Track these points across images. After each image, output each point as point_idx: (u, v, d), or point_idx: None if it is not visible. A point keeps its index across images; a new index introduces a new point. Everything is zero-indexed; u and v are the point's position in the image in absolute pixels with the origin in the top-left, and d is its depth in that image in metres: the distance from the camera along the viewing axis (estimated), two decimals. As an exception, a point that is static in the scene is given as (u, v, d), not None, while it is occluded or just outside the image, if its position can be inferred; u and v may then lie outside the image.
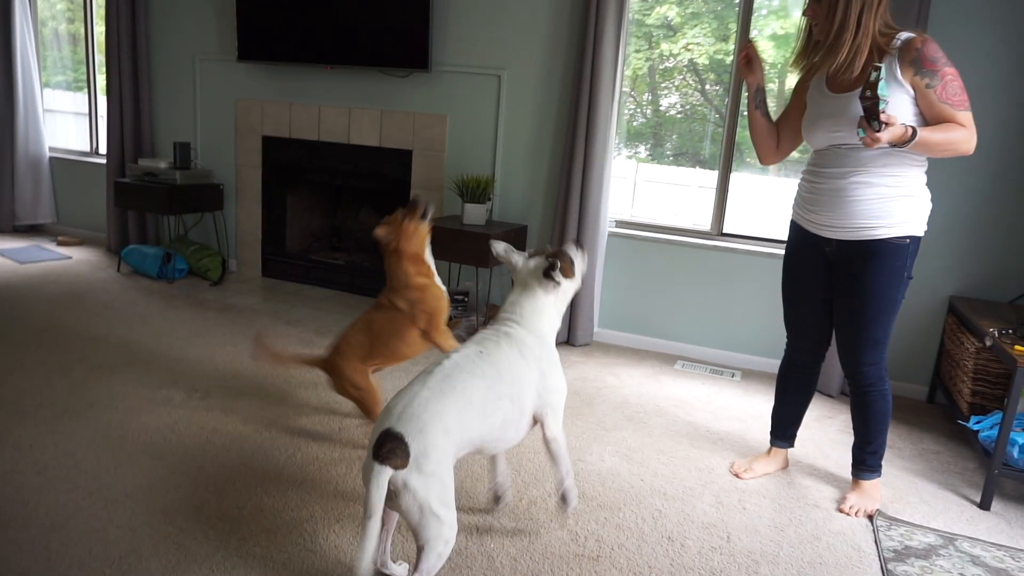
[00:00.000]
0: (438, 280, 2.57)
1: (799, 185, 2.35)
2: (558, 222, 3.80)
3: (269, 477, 2.28)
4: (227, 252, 4.91)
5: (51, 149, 5.57)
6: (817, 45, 2.13)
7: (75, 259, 4.91)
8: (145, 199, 4.47)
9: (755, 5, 3.57)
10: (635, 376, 3.50)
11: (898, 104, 2.00)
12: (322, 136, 4.46)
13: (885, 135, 1.86)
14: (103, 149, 5.42)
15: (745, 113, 2.57)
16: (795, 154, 2.57)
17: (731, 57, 3.76)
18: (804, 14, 2.16)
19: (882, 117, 1.83)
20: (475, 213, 3.72)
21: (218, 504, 2.11)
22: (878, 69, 1.79)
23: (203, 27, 4.70)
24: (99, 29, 5.29)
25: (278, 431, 2.60)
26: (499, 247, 2.02)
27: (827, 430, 3.02)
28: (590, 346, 3.90)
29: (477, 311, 3.83)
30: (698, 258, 3.76)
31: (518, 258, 2.01)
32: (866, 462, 2.36)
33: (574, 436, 2.76)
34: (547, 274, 1.93)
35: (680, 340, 3.86)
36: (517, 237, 3.86)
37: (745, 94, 2.56)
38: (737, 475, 2.53)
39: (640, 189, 4.75)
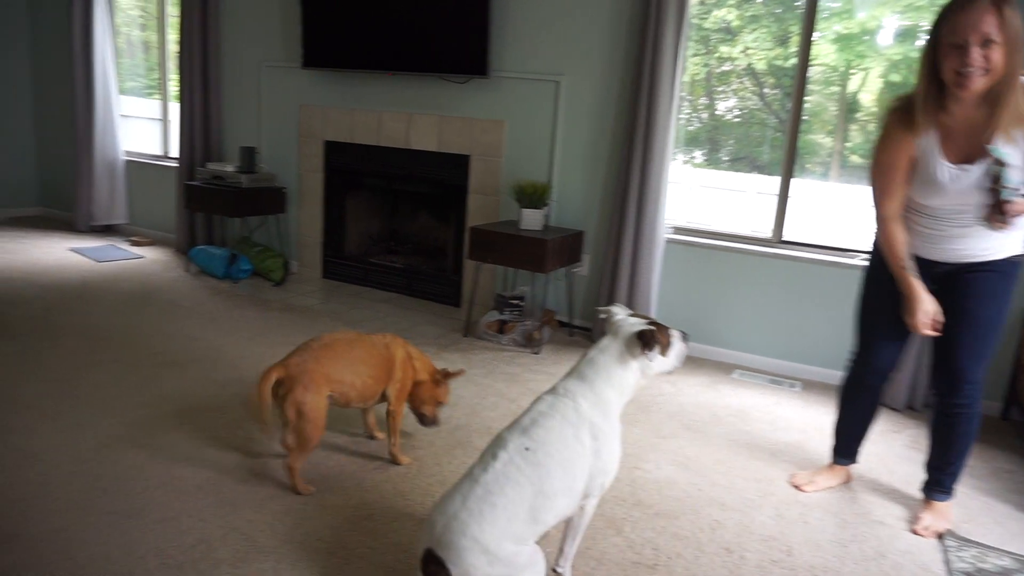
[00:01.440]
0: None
1: (905, 217, 2.15)
2: (615, 228, 3.79)
3: (332, 474, 2.34)
4: (289, 254, 5.05)
5: (126, 153, 5.82)
6: (941, 94, 1.91)
7: (147, 259, 5.11)
8: (213, 201, 4.63)
9: (818, 6, 3.49)
10: (691, 384, 3.46)
11: None
12: (382, 141, 4.54)
13: (1013, 221, 1.79)
14: (174, 153, 5.64)
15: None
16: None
17: (791, 61, 3.69)
18: (966, 59, 1.81)
19: (1006, 208, 1.77)
20: (532, 218, 3.74)
21: (283, 499, 2.17)
22: (1000, 164, 1.73)
23: (269, 35, 4.85)
24: (171, 36, 5.50)
25: (338, 429, 2.66)
26: (613, 308, 1.89)
27: (892, 445, 2.93)
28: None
29: (533, 316, 3.84)
30: (757, 265, 3.69)
31: (619, 311, 1.87)
32: (942, 484, 2.28)
33: (630, 443, 2.74)
34: (643, 336, 1.75)
35: (738, 349, 3.80)
36: (573, 243, 3.86)
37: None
38: (798, 488, 2.48)
39: (696, 194, 4.70)
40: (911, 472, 2.64)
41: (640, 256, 3.73)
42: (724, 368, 3.73)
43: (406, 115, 4.43)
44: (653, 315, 3.85)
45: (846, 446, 2.50)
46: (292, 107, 4.86)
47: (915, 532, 2.25)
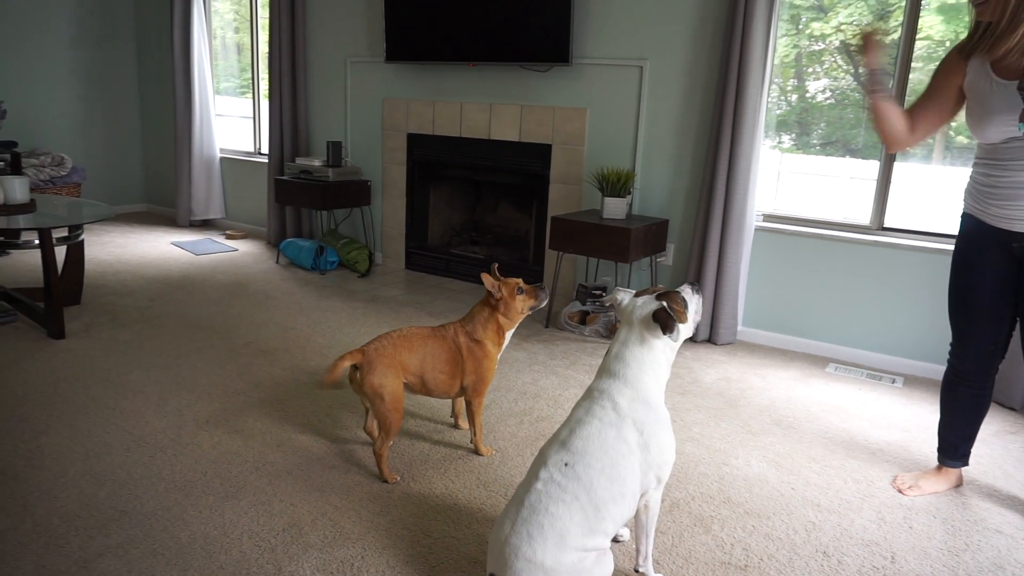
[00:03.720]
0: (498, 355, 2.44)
1: (973, 177, 2.11)
2: (701, 216, 3.67)
3: (416, 463, 2.37)
4: (373, 245, 5.17)
5: (221, 150, 6.09)
6: (988, 27, 1.93)
7: (240, 251, 5.34)
8: (301, 195, 4.78)
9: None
10: (783, 378, 3.32)
11: None
12: (464, 132, 4.56)
13: None
14: (265, 149, 5.86)
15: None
16: (963, 139, 2.34)
17: (890, 36, 3.46)
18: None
19: None
20: (615, 207, 3.67)
21: (369, 486, 2.21)
22: None
23: (353, 31, 4.95)
24: (262, 38, 5.71)
25: (422, 418, 2.70)
26: (617, 295, 1.80)
27: (1009, 447, 2.71)
28: (733, 345, 3.75)
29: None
30: (855, 254, 3.50)
31: (623, 296, 1.77)
32: None
33: (718, 438, 2.65)
34: (658, 318, 1.67)
35: (833, 341, 3.61)
36: (658, 232, 3.77)
37: (862, 78, 2.36)
38: (900, 491, 2.33)
39: (784, 180, 4.50)
40: (1030, 477, 2.44)
41: (728, 245, 3.60)
42: (818, 361, 3.55)
43: (487, 106, 4.43)
44: (740, 304, 3.72)
45: (953, 447, 2.33)
46: (376, 101, 4.95)
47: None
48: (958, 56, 2.05)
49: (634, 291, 1.79)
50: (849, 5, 3.80)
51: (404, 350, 2.25)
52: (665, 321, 1.66)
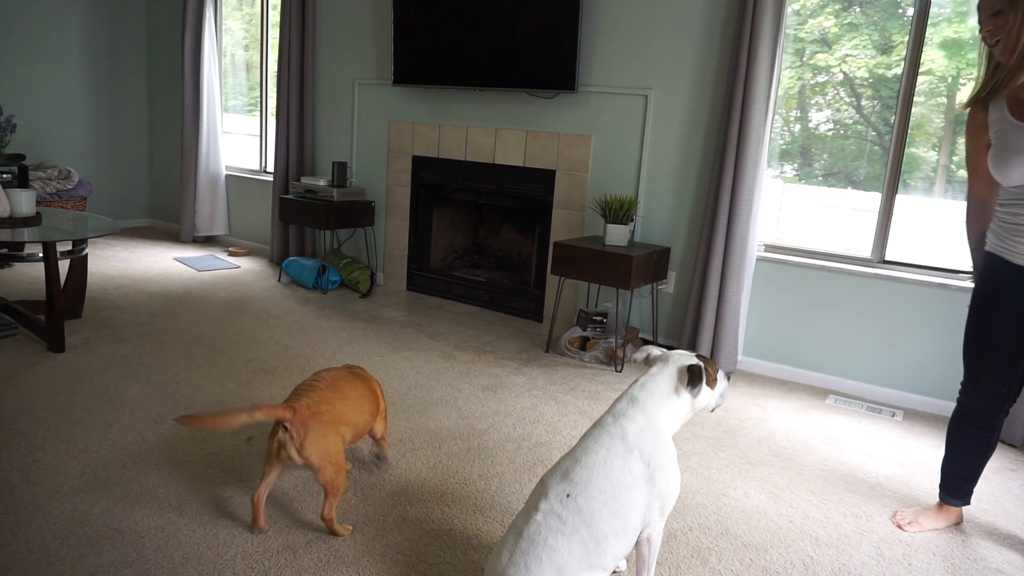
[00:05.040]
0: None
1: (998, 215, 2.09)
2: (703, 245, 3.69)
3: (412, 487, 2.36)
4: (375, 266, 5.18)
5: (227, 168, 6.13)
6: (998, 69, 1.97)
7: (242, 268, 5.35)
8: (305, 214, 4.80)
9: (930, 13, 3.30)
10: (782, 409, 3.30)
11: None
12: (468, 156, 4.60)
13: None
14: (270, 167, 5.90)
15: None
16: (964, 173, 2.36)
17: (893, 70, 3.50)
18: (981, 36, 1.98)
19: None
20: (618, 234, 3.68)
21: (364, 509, 2.20)
22: None
23: (362, 53, 5.01)
24: (271, 57, 5.78)
25: (420, 442, 2.68)
26: (652, 351, 1.86)
27: (1009, 485, 2.70)
28: (734, 374, 3.74)
29: (616, 333, 3.78)
30: (856, 286, 3.50)
31: (657, 351, 1.85)
32: None
33: (716, 468, 2.64)
34: (691, 371, 1.74)
35: (833, 373, 3.61)
36: (660, 260, 3.78)
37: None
38: (900, 527, 2.31)
39: (786, 210, 4.52)
40: (1030, 515, 2.42)
41: (729, 274, 3.61)
42: (817, 393, 3.54)
43: (492, 130, 4.47)
44: (741, 334, 3.72)
45: (956, 486, 2.31)
46: (382, 123, 5.00)
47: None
48: (977, 109, 2.08)
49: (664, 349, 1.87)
50: (853, 38, 3.85)
51: (339, 401, 2.07)
52: (694, 376, 1.74)
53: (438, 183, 4.82)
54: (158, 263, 5.31)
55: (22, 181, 4.85)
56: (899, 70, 3.50)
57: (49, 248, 3.26)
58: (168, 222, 6.62)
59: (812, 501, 2.46)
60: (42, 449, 2.41)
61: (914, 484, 2.64)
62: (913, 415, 3.33)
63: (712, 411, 1.89)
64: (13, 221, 3.41)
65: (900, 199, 3.50)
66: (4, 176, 4.81)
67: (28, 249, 3.88)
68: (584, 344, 3.81)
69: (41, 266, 3.31)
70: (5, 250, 3.67)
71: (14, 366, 3.11)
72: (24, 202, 3.47)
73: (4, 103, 5.46)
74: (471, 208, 5.10)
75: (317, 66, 5.26)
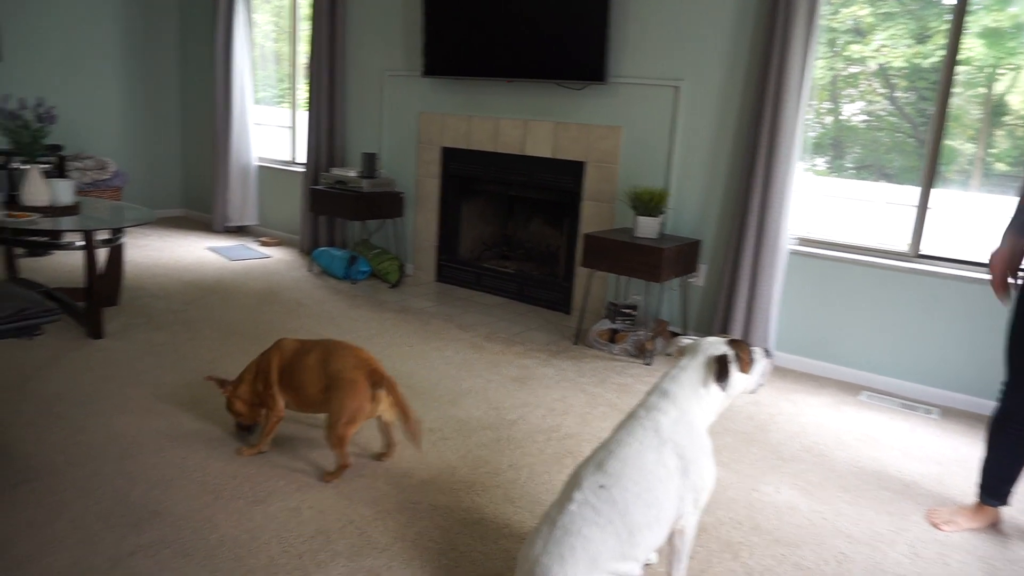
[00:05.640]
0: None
1: None
2: (734, 237, 3.65)
3: (443, 476, 2.37)
4: (405, 257, 5.21)
5: (258, 159, 6.20)
6: None
7: (273, 258, 5.42)
8: (335, 205, 4.84)
9: (969, 1, 3.22)
10: (814, 404, 3.27)
11: None
12: (498, 148, 4.60)
13: None
14: (301, 158, 5.95)
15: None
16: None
17: (930, 60, 3.42)
18: None
19: None
20: (648, 226, 3.66)
21: (396, 496, 2.22)
22: None
23: (392, 45, 5.02)
24: (301, 48, 5.82)
25: (450, 431, 2.70)
26: (681, 342, 1.83)
27: (1048, 484, 2.64)
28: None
29: (645, 326, 3.76)
30: (891, 280, 3.45)
31: (688, 340, 1.83)
32: None
33: (747, 463, 2.62)
34: (718, 362, 1.70)
35: (866, 369, 3.56)
36: (690, 252, 3.75)
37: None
38: (936, 526, 2.28)
39: (817, 204, 4.45)
40: (1071, 516, 2.37)
41: (760, 267, 3.57)
42: (850, 389, 3.50)
43: (522, 122, 4.47)
44: (772, 328, 3.68)
45: (995, 486, 2.27)
46: (412, 114, 5.01)
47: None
48: None
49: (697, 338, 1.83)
50: (889, 28, 3.77)
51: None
52: (721, 369, 1.70)
53: (468, 174, 4.82)
54: (191, 252, 5.39)
55: (61, 171, 4.96)
56: (936, 60, 3.43)
57: (89, 237, 3.32)
58: (200, 212, 6.72)
59: (845, 498, 2.43)
60: (83, 432, 2.48)
61: (950, 483, 2.60)
62: (949, 413, 3.27)
63: (753, 392, 1.84)
64: (53, 210, 3.49)
65: (936, 192, 3.43)
66: (44, 166, 4.91)
67: (67, 238, 3.97)
68: (613, 337, 3.80)
69: (79, 254, 3.38)
70: (45, 238, 3.76)
71: (56, 351, 3.19)
72: (64, 191, 3.55)
73: (44, 94, 5.57)
74: (500, 200, 5.10)
75: (347, 58, 5.29)
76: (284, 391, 2.37)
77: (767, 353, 1.84)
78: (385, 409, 2.29)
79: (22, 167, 4.90)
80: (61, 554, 1.83)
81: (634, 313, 3.88)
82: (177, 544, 1.91)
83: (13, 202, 3.51)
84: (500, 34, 4.34)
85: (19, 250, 4.62)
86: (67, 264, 4.72)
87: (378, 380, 2.25)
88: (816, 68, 3.62)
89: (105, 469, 2.25)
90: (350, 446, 2.50)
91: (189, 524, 2.00)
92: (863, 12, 3.76)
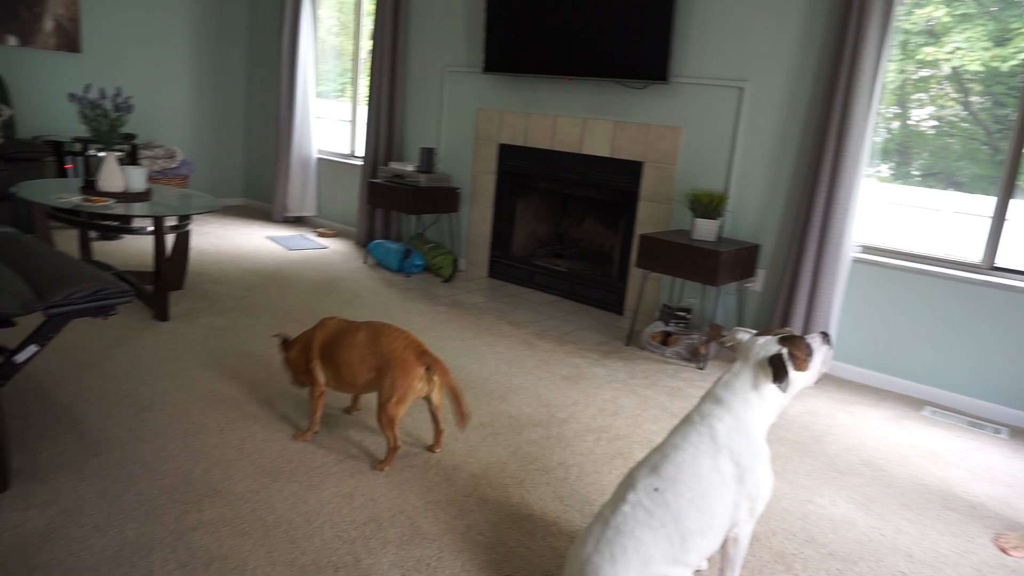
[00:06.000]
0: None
1: None
2: (795, 243, 3.57)
3: (493, 470, 2.38)
4: (458, 252, 5.25)
5: (318, 151, 6.33)
6: None
7: (330, 249, 5.52)
8: (392, 199, 4.91)
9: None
10: (873, 417, 3.17)
11: None
12: (555, 145, 4.59)
13: None
14: (360, 152, 6.05)
15: None
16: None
17: (1009, 63, 3.27)
18: None
19: None
20: (706, 228, 3.60)
21: (446, 488, 2.24)
22: None
23: (453, 41, 5.06)
24: (363, 44, 5.91)
25: (501, 426, 2.71)
26: (737, 334, 1.77)
27: None
28: (822, 378, 3.60)
29: (700, 330, 3.70)
30: (962, 293, 3.31)
31: (744, 335, 1.75)
32: None
33: (802, 474, 2.56)
34: (772, 363, 1.63)
35: (930, 384, 3.43)
36: (748, 257, 3.68)
37: None
38: (1004, 550, 2.18)
39: (881, 211, 4.31)
40: None
41: (822, 274, 3.48)
42: (912, 403, 3.38)
43: (580, 120, 4.45)
44: (832, 337, 3.58)
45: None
46: (470, 110, 5.04)
47: None
48: None
49: (756, 331, 1.76)
50: (965, 29, 3.63)
51: None
52: (777, 370, 1.63)
53: (523, 171, 4.83)
54: (252, 240, 5.54)
55: (133, 159, 5.15)
56: (1016, 63, 3.28)
57: (159, 223, 3.45)
58: (261, 201, 6.90)
59: (905, 515, 2.35)
60: (150, 410, 2.57)
61: (1020, 506, 2.49)
62: (1020, 433, 3.13)
63: (815, 384, 1.77)
64: (127, 196, 3.63)
65: (1015, 204, 3.28)
66: (118, 154, 5.12)
67: (137, 223, 4.13)
68: (666, 339, 3.75)
69: (147, 239, 3.51)
70: (117, 223, 3.91)
71: (125, 331, 3.32)
72: (137, 178, 3.69)
73: (121, 85, 5.80)
74: (555, 198, 5.09)
75: (408, 53, 5.36)
76: (325, 368, 2.43)
77: (826, 338, 1.76)
78: (434, 390, 2.33)
79: (99, 154, 5.12)
80: (129, 525, 1.91)
81: (688, 316, 3.83)
82: (235, 523, 1.96)
83: (90, 187, 3.66)
84: (561, 32, 4.32)
85: (93, 233, 4.82)
86: (135, 248, 4.90)
87: (429, 360, 2.27)
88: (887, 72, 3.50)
89: (169, 446, 2.33)
90: (402, 435, 2.53)
91: (247, 504, 2.06)
92: (938, 13, 3.62)
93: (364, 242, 5.60)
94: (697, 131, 3.99)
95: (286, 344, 2.53)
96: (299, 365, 2.49)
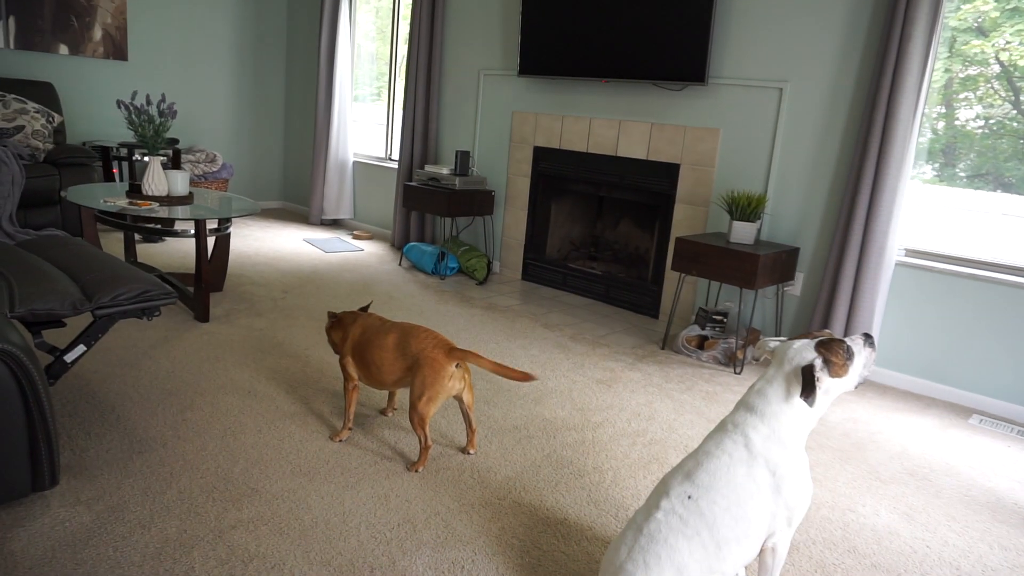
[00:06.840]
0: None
1: None
2: (836, 246, 3.49)
3: (527, 474, 2.38)
4: (492, 254, 5.26)
5: (354, 155, 6.40)
6: None
7: (366, 251, 5.58)
8: (428, 201, 4.94)
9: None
10: (918, 425, 3.09)
11: None
12: (591, 148, 4.57)
13: None
14: (395, 155, 6.10)
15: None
16: None
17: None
18: None
19: None
20: (744, 231, 3.55)
21: (480, 491, 2.24)
22: None
23: (489, 44, 5.08)
24: (400, 49, 5.96)
25: (535, 430, 2.71)
26: (768, 344, 1.72)
27: None
28: (863, 384, 3.53)
29: (736, 334, 3.65)
30: (1009, 297, 3.21)
31: (775, 343, 1.69)
32: None
33: (843, 482, 2.50)
34: (803, 374, 1.57)
35: (978, 391, 3.33)
36: (787, 260, 3.62)
37: None
38: (1056, 563, 2.10)
39: (924, 213, 4.20)
40: None
41: (864, 278, 3.40)
42: (959, 411, 3.28)
43: (616, 122, 4.42)
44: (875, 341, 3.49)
45: None
46: (505, 113, 5.05)
47: None
48: None
49: (785, 338, 1.70)
50: (1016, 24, 3.51)
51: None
52: (806, 384, 1.56)
53: (558, 174, 4.82)
54: (289, 243, 5.62)
55: (175, 163, 5.27)
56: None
57: (200, 225, 3.52)
58: (298, 204, 7.01)
59: (952, 527, 2.28)
60: (191, 409, 2.62)
61: (1073, 519, 2.40)
62: (1072, 443, 3.02)
63: (856, 388, 1.69)
64: (170, 199, 3.71)
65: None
66: (162, 158, 5.25)
67: (179, 226, 4.22)
68: (702, 343, 3.71)
69: (187, 242, 3.58)
70: (159, 225, 4.01)
71: (167, 332, 3.40)
72: (180, 182, 3.77)
73: (165, 91, 5.94)
74: (590, 200, 5.07)
75: (444, 57, 5.39)
76: (357, 364, 2.47)
77: (869, 340, 1.68)
78: (466, 389, 2.35)
79: (143, 159, 5.25)
80: (171, 522, 1.95)
81: (725, 320, 3.77)
82: (273, 522, 1.99)
83: (134, 191, 3.76)
84: (597, 34, 4.31)
85: (137, 236, 4.95)
86: (177, 251, 5.01)
87: (459, 356, 2.28)
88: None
89: (210, 445, 2.38)
90: (436, 437, 2.55)
91: (285, 504, 2.08)
92: (987, 7, 3.52)
93: (399, 245, 5.65)
94: (735, 133, 3.94)
95: (334, 321, 2.60)
96: (337, 345, 2.58)
